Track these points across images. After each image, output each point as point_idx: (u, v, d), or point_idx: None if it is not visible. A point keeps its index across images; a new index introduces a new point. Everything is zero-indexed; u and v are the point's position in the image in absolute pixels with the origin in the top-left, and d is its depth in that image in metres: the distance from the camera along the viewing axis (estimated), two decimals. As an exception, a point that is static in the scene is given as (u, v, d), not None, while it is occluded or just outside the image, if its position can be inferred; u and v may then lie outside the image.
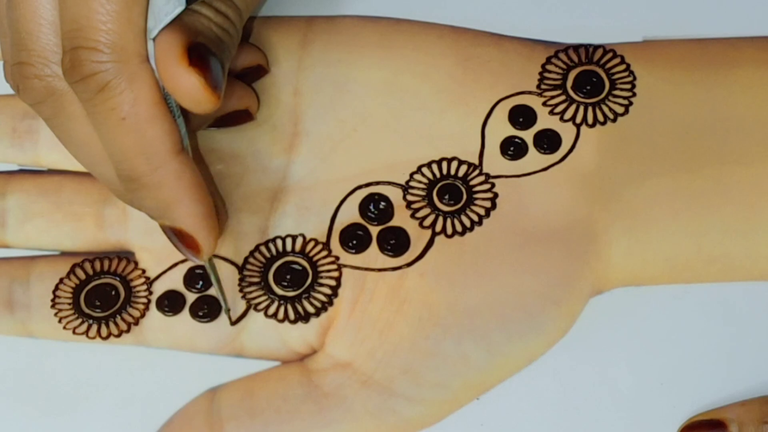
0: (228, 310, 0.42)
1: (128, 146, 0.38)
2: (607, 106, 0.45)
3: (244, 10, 0.40)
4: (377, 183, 0.44)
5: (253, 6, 0.42)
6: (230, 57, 0.40)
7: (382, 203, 0.44)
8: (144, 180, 0.38)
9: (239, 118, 0.45)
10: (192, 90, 0.37)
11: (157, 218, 0.40)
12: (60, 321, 0.42)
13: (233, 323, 0.42)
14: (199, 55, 0.37)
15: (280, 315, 0.42)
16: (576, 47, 0.46)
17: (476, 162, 0.44)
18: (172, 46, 0.37)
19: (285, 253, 0.43)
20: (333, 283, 0.42)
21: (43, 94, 0.38)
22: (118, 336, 0.42)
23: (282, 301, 0.42)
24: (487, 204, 0.43)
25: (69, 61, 0.37)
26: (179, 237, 0.40)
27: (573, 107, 0.45)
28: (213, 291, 0.42)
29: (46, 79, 0.38)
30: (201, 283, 0.42)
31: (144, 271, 0.43)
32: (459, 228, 0.43)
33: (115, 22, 0.37)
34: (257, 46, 0.46)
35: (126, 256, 0.43)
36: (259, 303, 0.42)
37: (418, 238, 0.43)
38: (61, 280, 0.43)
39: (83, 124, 0.39)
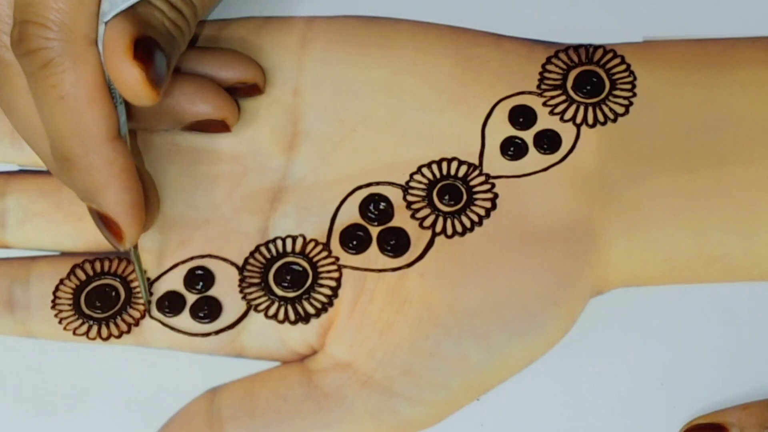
0: (148, 302, 0.42)
1: (64, 126, 0.38)
2: (607, 106, 0.45)
3: (200, 7, 0.41)
4: (377, 183, 0.44)
5: (210, 6, 0.42)
6: (178, 54, 0.40)
7: (382, 204, 0.44)
8: (76, 161, 0.39)
9: (214, 126, 0.44)
10: (133, 83, 0.37)
11: (84, 200, 0.40)
12: (60, 322, 0.42)
13: (151, 315, 0.42)
14: (145, 48, 0.37)
15: (281, 316, 0.42)
16: (576, 47, 0.46)
17: (476, 162, 0.44)
18: (120, 35, 0.37)
19: (285, 253, 0.43)
20: (333, 283, 0.42)
21: None
22: (119, 337, 0.42)
23: (282, 302, 0.42)
24: (487, 204, 0.43)
25: (17, 33, 0.38)
26: (104, 222, 0.40)
27: (573, 107, 0.45)
28: (213, 292, 0.42)
29: None
30: (201, 284, 0.42)
31: (144, 272, 0.43)
32: (459, 228, 0.43)
33: (67, 1, 0.37)
34: (258, 64, 0.45)
35: (126, 257, 0.43)
36: (260, 304, 0.42)
37: (419, 238, 0.43)
38: (61, 281, 0.43)
39: (26, 98, 0.39)
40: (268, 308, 0.42)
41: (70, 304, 0.42)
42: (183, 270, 0.43)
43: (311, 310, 0.42)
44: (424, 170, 0.44)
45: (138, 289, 0.42)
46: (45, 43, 0.37)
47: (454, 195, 0.44)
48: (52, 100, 0.38)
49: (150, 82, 0.37)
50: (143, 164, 0.44)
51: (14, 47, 0.38)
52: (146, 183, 0.42)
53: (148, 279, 0.43)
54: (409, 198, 0.44)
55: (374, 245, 0.43)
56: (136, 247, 0.41)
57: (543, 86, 0.46)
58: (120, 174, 0.39)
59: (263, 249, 0.43)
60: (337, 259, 0.43)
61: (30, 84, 0.38)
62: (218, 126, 0.44)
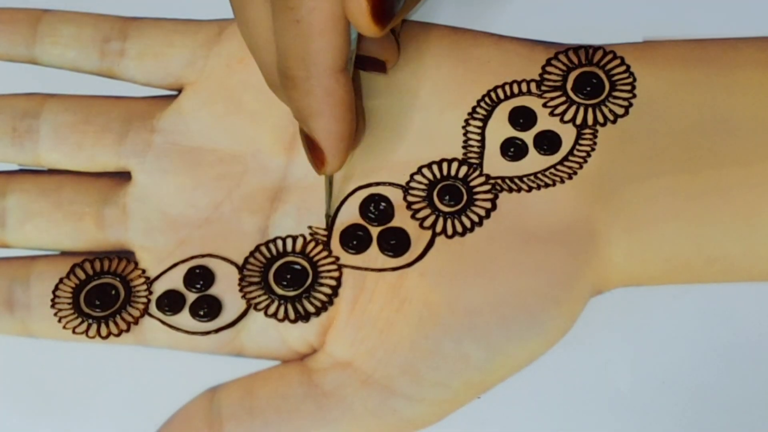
0: (328, 216, 0.43)
1: (293, 48, 0.38)
2: (607, 107, 0.45)
3: None
4: (377, 184, 0.44)
5: None
6: None
7: (383, 204, 0.44)
8: (297, 83, 0.39)
9: (373, 65, 0.45)
10: (357, 12, 0.37)
11: (297, 119, 0.41)
12: (60, 321, 0.42)
13: (329, 225, 0.43)
14: None
15: (280, 314, 0.42)
16: (576, 49, 0.46)
17: (476, 163, 0.44)
18: None
19: (285, 253, 0.43)
20: (333, 282, 0.42)
21: None
22: (118, 335, 0.42)
23: (282, 301, 0.42)
24: (488, 205, 0.43)
25: None
26: (310, 145, 0.40)
27: (573, 108, 0.45)
28: (213, 291, 0.42)
29: None
30: (201, 283, 0.42)
31: (144, 271, 0.43)
32: (459, 228, 0.43)
33: None
34: (397, 41, 0.46)
35: (126, 256, 0.43)
36: (259, 302, 0.42)
37: (419, 238, 0.43)
38: (60, 280, 0.43)
39: (258, 8, 0.40)
40: (267, 307, 0.42)
41: (69, 303, 0.42)
42: (183, 269, 0.43)
43: (311, 309, 0.42)
44: (425, 170, 0.44)
45: (138, 289, 0.42)
46: None
47: (454, 195, 0.44)
48: (287, 21, 0.38)
49: (374, 15, 0.37)
50: (361, 99, 0.45)
51: None
52: (360, 113, 0.42)
53: (147, 278, 0.43)
54: (410, 198, 0.44)
55: (374, 245, 0.43)
56: (331, 177, 0.43)
57: (543, 87, 0.46)
58: (336, 105, 0.39)
59: (263, 248, 0.43)
60: (337, 258, 0.43)
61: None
62: (377, 66, 0.45)
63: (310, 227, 0.43)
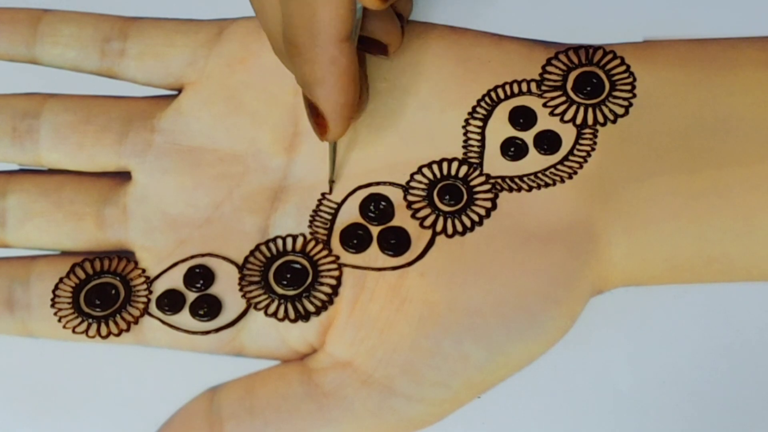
0: (332, 182, 0.44)
1: (299, 16, 0.39)
2: (607, 107, 0.45)
3: None
4: (378, 183, 0.44)
5: None
6: None
7: (383, 203, 0.44)
8: (301, 50, 0.40)
9: (375, 48, 0.45)
10: None
11: (301, 86, 0.41)
12: (59, 320, 0.42)
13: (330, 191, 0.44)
14: None
15: (280, 314, 0.42)
16: (576, 48, 0.46)
17: (477, 162, 0.44)
18: None
19: (285, 252, 0.43)
20: (333, 282, 0.42)
21: None
22: (118, 335, 0.42)
23: (282, 300, 0.42)
24: (488, 204, 0.43)
25: None
26: (313, 112, 0.41)
27: (573, 108, 0.45)
28: (213, 290, 0.42)
29: None
30: (201, 282, 0.42)
31: (144, 271, 0.43)
32: (459, 228, 0.43)
33: None
34: (402, 27, 0.46)
35: (126, 256, 0.43)
36: (260, 302, 0.42)
37: (419, 237, 0.43)
38: (60, 280, 0.43)
39: None
40: (267, 306, 0.42)
41: (69, 303, 0.42)
42: (183, 268, 0.43)
43: (311, 308, 0.42)
44: (425, 170, 0.44)
45: (138, 288, 0.42)
46: None
47: (454, 195, 0.44)
48: None
49: None
50: (365, 71, 0.45)
51: None
52: (363, 83, 0.43)
53: (147, 278, 0.43)
54: (410, 198, 0.44)
55: (374, 244, 0.43)
56: (335, 143, 0.43)
57: (543, 87, 0.46)
58: (340, 74, 0.40)
59: (263, 248, 0.43)
60: (338, 258, 0.43)
61: None
62: (380, 48, 0.45)
63: (311, 218, 0.43)
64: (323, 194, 0.44)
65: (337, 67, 0.40)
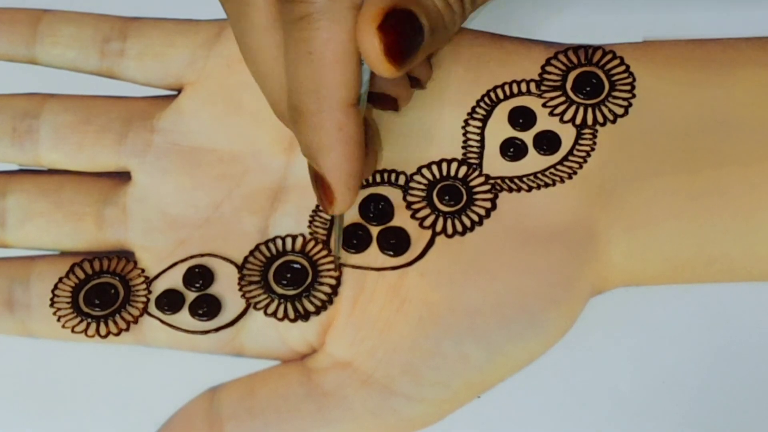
0: (338, 258, 0.42)
1: (304, 80, 0.38)
2: (606, 107, 0.45)
3: None
4: (377, 184, 0.44)
5: None
6: (445, 35, 0.39)
7: (382, 203, 0.44)
8: (307, 116, 0.38)
9: (384, 103, 0.44)
10: (370, 51, 0.37)
11: (305, 155, 0.40)
12: (59, 320, 0.42)
13: (337, 268, 0.42)
14: (395, 21, 0.37)
15: (280, 313, 0.42)
16: (576, 48, 0.46)
17: (476, 163, 0.44)
18: (377, 2, 0.37)
19: (285, 252, 0.43)
20: (333, 282, 0.42)
21: None
22: (118, 335, 0.42)
23: (282, 300, 0.42)
24: (487, 204, 0.43)
25: None
26: (319, 183, 0.40)
27: (573, 108, 0.45)
28: (213, 290, 0.42)
29: None
30: (200, 282, 0.42)
31: (143, 271, 0.43)
32: (459, 228, 0.43)
33: None
34: (409, 85, 0.45)
35: (125, 256, 0.43)
36: (259, 302, 0.42)
37: (419, 238, 0.43)
38: (60, 279, 0.43)
39: (261, 35, 0.39)
40: (267, 306, 0.42)
41: (68, 302, 0.42)
42: (182, 268, 0.43)
43: (311, 308, 0.42)
44: (424, 171, 0.44)
45: (138, 288, 0.42)
46: None
47: (454, 195, 0.44)
48: (300, 52, 0.37)
49: (389, 55, 0.37)
50: (378, 135, 0.44)
51: None
52: (375, 148, 0.42)
53: (147, 278, 0.43)
54: (409, 198, 0.44)
55: (374, 244, 0.43)
56: (341, 215, 0.41)
57: (543, 87, 0.46)
58: (346, 141, 0.38)
59: (263, 247, 0.43)
60: (338, 258, 0.43)
61: (284, 29, 0.38)
62: (388, 103, 0.44)
63: (311, 218, 0.43)
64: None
65: (345, 133, 0.38)
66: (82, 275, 0.43)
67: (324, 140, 0.38)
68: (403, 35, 0.37)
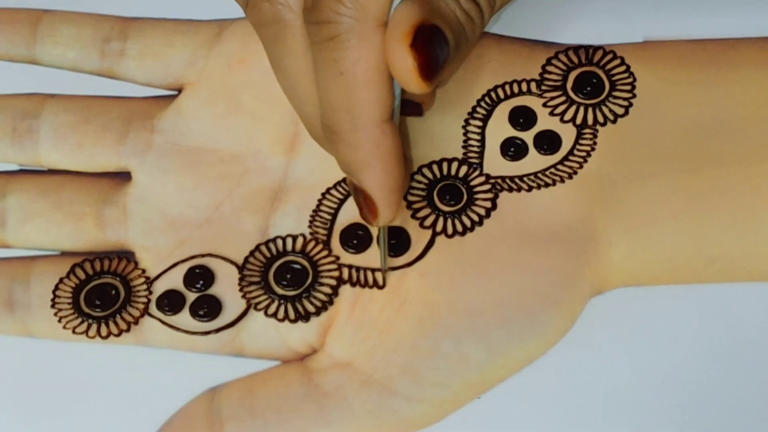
0: (385, 271, 0.42)
1: (337, 100, 0.38)
2: (607, 107, 0.45)
3: (499, 1, 0.40)
4: (377, 183, 0.44)
5: (508, 0, 0.41)
6: (466, 47, 0.39)
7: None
8: (342, 136, 0.38)
9: (409, 109, 0.44)
10: (404, 70, 0.36)
11: (345, 172, 0.40)
12: (60, 320, 0.42)
13: (384, 281, 0.42)
14: (425, 37, 0.37)
15: (280, 314, 0.42)
16: (576, 48, 0.46)
17: (476, 162, 0.44)
18: (404, 20, 0.36)
19: (285, 252, 0.43)
20: (333, 282, 0.42)
21: (269, 19, 0.39)
22: (118, 335, 0.42)
23: (282, 301, 0.42)
24: (488, 204, 0.43)
25: (312, 1, 0.37)
26: (362, 197, 0.40)
27: (573, 108, 0.45)
28: (213, 290, 0.42)
29: (276, 6, 0.39)
30: (201, 282, 0.42)
31: (144, 271, 0.43)
32: (459, 228, 0.43)
33: None
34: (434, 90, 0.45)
35: (126, 256, 0.43)
36: (260, 302, 0.42)
37: (419, 238, 0.43)
38: (60, 280, 0.43)
39: (298, 59, 0.39)
40: (267, 306, 0.42)
41: (69, 303, 0.42)
42: (183, 269, 0.43)
43: (311, 309, 0.42)
44: (425, 170, 0.44)
45: (138, 289, 0.42)
46: (336, 17, 0.37)
47: (454, 195, 0.44)
48: (331, 72, 0.37)
49: (422, 72, 0.37)
50: (408, 148, 0.44)
51: (305, 14, 0.38)
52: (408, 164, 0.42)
53: (147, 278, 0.43)
54: (410, 198, 0.44)
55: (374, 245, 0.43)
56: (385, 227, 0.42)
57: (543, 87, 0.46)
58: (384, 157, 0.38)
59: (263, 248, 0.43)
60: (338, 258, 0.43)
61: (313, 51, 0.38)
62: (414, 109, 0.44)
63: (311, 218, 0.43)
64: (323, 194, 0.44)
65: (382, 149, 0.38)
66: (82, 275, 0.43)
67: (363, 158, 0.39)
68: (433, 51, 0.37)
